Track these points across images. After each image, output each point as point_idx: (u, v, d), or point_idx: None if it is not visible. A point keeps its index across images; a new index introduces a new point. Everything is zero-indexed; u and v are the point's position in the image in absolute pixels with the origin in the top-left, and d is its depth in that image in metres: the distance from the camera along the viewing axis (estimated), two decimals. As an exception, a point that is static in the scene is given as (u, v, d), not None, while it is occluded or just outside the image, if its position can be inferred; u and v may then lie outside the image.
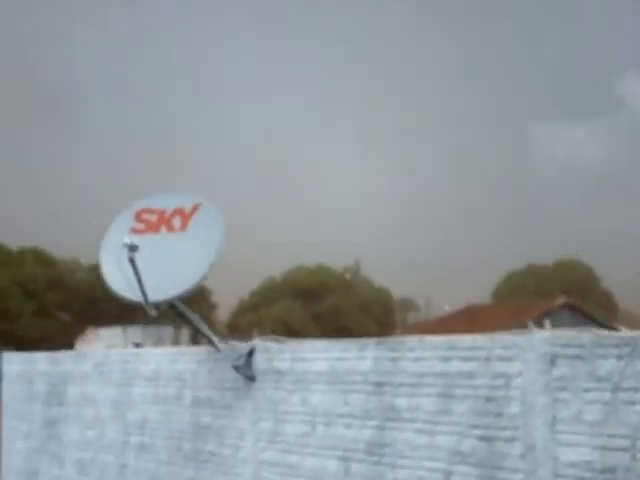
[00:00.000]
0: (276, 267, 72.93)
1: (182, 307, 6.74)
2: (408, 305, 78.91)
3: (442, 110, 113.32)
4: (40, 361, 10.34)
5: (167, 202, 7.01)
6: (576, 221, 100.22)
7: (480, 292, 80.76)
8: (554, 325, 49.68)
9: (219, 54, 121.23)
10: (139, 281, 6.31)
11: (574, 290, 71.75)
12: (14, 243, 66.27)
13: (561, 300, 52.30)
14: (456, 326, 52.47)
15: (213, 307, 73.65)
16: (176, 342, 47.06)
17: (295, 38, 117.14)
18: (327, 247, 77.72)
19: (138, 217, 6.96)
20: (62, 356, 9.95)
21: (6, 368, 11.29)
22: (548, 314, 50.18)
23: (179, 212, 6.88)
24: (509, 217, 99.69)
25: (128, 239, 6.16)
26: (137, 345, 37.13)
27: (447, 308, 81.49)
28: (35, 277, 63.90)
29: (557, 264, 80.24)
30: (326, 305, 68.45)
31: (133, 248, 6.13)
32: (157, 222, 6.88)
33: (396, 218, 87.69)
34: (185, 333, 48.97)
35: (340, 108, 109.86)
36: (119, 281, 6.59)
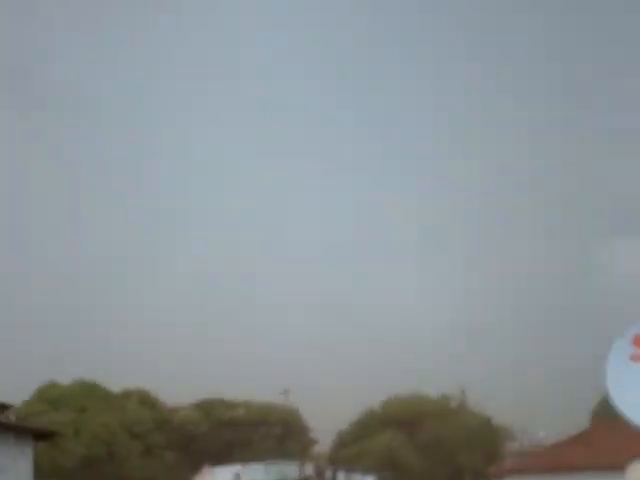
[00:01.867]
0: (372, 398, 72.63)
1: None
2: (504, 432, 77.56)
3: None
4: None
5: None
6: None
7: (576, 420, 78.85)
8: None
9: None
10: None
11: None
12: (117, 385, 67.42)
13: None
14: (577, 451, 51.46)
15: (314, 441, 73.20)
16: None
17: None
18: (421, 375, 77.03)
19: (637, 342, 6.69)
20: None
21: None
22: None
23: None
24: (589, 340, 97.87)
25: None
26: None
27: (542, 434, 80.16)
28: (140, 419, 64.68)
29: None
30: (428, 435, 67.70)
31: None
32: None
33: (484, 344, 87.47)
34: (309, 469, 48.56)
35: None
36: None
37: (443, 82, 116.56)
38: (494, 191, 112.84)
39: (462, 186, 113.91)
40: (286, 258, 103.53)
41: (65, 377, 69.57)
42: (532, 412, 78.04)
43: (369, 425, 70.39)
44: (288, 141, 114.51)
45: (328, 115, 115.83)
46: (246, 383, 70.81)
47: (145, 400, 67.61)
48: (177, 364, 77.17)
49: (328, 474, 47.16)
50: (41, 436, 33.20)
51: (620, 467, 46.60)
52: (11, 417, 32.05)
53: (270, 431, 69.13)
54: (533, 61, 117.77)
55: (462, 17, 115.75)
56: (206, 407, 70.74)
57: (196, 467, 53.61)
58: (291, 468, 47.45)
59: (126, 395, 67.46)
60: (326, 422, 71.97)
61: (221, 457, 60.62)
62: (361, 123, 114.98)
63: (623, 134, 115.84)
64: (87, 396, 66.80)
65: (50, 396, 66.71)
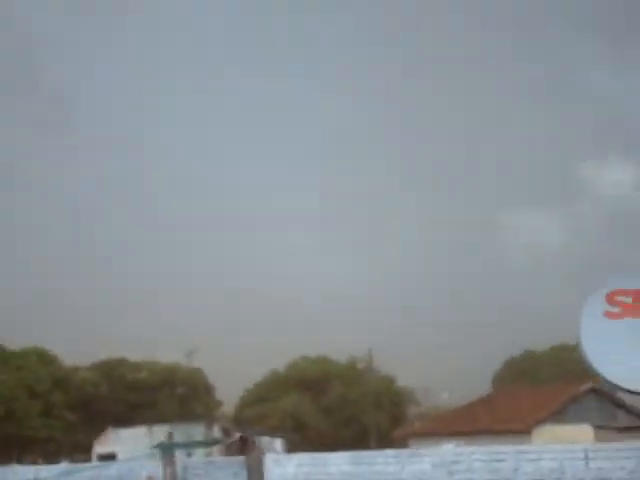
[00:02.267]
0: (279, 361, 72.38)
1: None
2: (408, 396, 78.16)
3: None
4: (331, 462, 9.84)
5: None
6: (556, 308, 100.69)
7: (478, 380, 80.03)
8: (581, 411, 49.42)
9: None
10: None
11: (571, 374, 71.76)
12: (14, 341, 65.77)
13: (587, 385, 51.96)
14: (479, 413, 51.98)
15: (219, 402, 72.64)
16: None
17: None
18: (328, 338, 77.00)
19: (610, 300, 6.63)
20: (372, 455, 9.49)
21: (272, 470, 10.76)
22: (574, 400, 49.82)
23: None
24: (498, 308, 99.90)
25: None
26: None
27: (446, 396, 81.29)
28: (39, 378, 63.17)
29: (552, 349, 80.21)
30: (333, 397, 67.60)
31: None
32: (634, 305, 6.54)
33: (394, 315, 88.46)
34: (215, 430, 47.88)
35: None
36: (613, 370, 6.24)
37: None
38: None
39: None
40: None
41: (-38, 336, 67.87)
42: (435, 374, 79.06)
43: (274, 386, 70.08)
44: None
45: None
46: (150, 345, 70.04)
47: (44, 359, 66.12)
48: (79, 328, 76.15)
49: (235, 436, 46.65)
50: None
51: (522, 431, 47.03)
52: None
53: (174, 392, 68.35)
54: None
55: None
56: (106, 368, 69.60)
57: (97, 428, 52.56)
58: (197, 430, 46.78)
59: (25, 354, 65.81)
60: (233, 383, 71.68)
61: (124, 419, 59.58)
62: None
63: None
64: (-16, 355, 65.18)
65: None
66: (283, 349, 69.05)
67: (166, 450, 12.55)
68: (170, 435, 30.58)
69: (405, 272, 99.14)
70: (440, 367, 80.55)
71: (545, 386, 58.78)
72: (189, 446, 12.16)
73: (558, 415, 48.84)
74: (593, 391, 51.39)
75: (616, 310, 5.64)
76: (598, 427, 45.86)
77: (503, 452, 7.35)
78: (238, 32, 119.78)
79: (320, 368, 69.09)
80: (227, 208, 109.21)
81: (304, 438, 60.29)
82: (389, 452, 9.12)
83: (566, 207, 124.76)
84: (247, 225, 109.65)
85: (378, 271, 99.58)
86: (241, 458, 11.19)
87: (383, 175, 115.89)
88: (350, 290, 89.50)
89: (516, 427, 47.04)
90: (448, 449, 7.89)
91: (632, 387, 5.34)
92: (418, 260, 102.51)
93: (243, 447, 9.92)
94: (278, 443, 45.82)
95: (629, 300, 5.59)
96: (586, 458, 6.46)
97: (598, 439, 43.85)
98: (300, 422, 64.89)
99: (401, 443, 55.19)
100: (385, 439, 61.15)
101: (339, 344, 68.20)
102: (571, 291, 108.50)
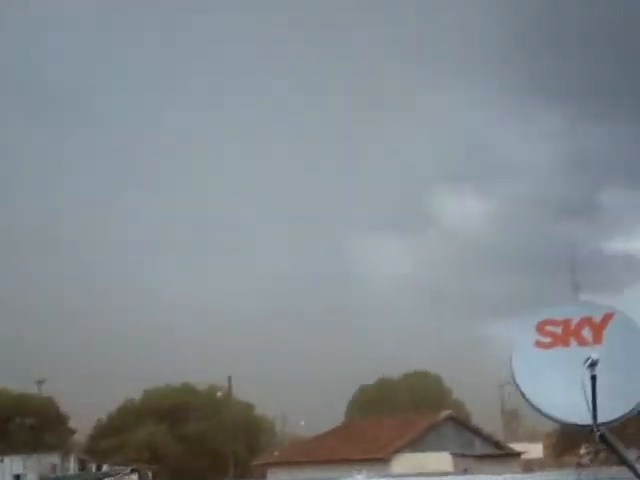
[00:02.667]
0: (135, 388, 71.00)
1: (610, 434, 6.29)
2: (266, 424, 77.83)
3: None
4: None
5: (569, 312, 6.50)
6: (411, 334, 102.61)
7: (333, 408, 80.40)
8: (439, 439, 50.05)
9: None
10: (594, 400, 5.93)
11: (425, 401, 72.99)
12: None
13: (445, 413, 52.77)
14: (338, 442, 52.05)
15: (72, 432, 70.51)
16: (66, 471, 44.55)
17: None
18: (187, 366, 75.99)
19: (541, 329, 6.46)
20: None
21: None
22: (432, 428, 50.44)
23: (587, 322, 6.40)
24: (348, 335, 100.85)
25: (595, 354, 5.91)
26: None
27: (302, 424, 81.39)
28: None
29: (407, 377, 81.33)
30: (192, 427, 66.64)
31: (594, 364, 5.74)
32: (563, 334, 6.39)
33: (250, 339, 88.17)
34: (72, 461, 46.35)
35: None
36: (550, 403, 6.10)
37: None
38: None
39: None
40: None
41: None
42: (292, 402, 79.00)
43: (129, 416, 68.60)
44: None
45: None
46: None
47: None
48: None
49: (90, 467, 45.54)
50: None
51: (381, 460, 47.35)
52: None
53: (25, 422, 66.08)
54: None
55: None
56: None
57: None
58: (51, 459, 45.38)
59: None
60: (86, 413, 69.84)
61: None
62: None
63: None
64: None
65: None
66: (140, 376, 67.87)
67: None
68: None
69: (259, 303, 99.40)
70: (297, 396, 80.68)
71: (403, 414, 59.33)
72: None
73: (417, 443, 49.41)
74: (451, 419, 52.35)
75: (546, 340, 5.60)
76: (456, 455, 46.61)
77: None
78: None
79: (176, 397, 68.05)
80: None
81: (162, 469, 59.21)
82: None
83: (417, 237, 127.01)
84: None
85: (235, 300, 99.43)
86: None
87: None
88: (211, 318, 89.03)
89: (375, 455, 47.38)
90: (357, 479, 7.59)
91: (569, 419, 5.25)
92: (272, 292, 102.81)
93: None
94: (134, 478, 44.83)
95: (558, 330, 5.55)
96: None
97: (457, 466, 44.54)
98: (157, 453, 63.65)
99: (260, 472, 54.86)
100: (244, 468, 60.62)
101: (199, 373, 67.55)
102: (423, 320, 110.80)
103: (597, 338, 6.30)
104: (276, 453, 58.48)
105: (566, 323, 6.38)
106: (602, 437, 6.10)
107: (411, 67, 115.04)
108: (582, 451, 60.00)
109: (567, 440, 60.35)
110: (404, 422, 52.87)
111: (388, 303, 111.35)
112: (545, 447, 68.43)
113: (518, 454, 51.52)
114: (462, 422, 52.95)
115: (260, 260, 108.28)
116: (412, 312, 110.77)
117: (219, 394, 63.81)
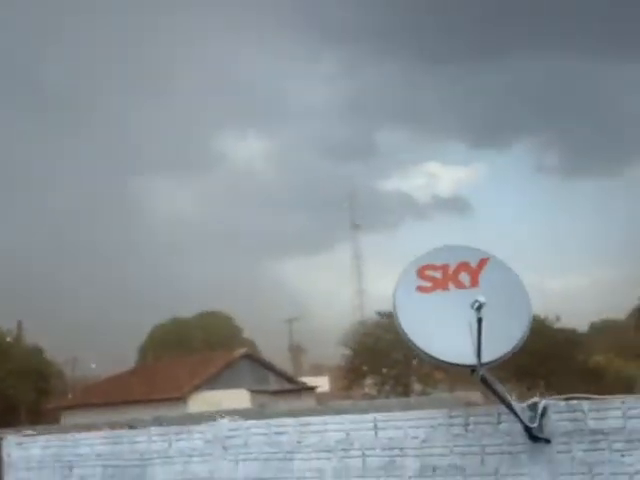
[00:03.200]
0: None
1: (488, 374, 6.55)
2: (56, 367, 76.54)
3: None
4: (83, 442, 9.32)
5: (447, 257, 6.86)
6: (203, 275, 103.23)
7: (124, 349, 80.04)
8: (235, 375, 50.97)
9: None
10: (479, 342, 6.25)
11: (218, 340, 73.94)
12: None
13: (240, 351, 53.70)
14: (133, 383, 52.11)
15: None
16: None
17: None
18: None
19: (421, 274, 6.80)
20: (132, 434, 9.06)
21: (13, 454, 10.02)
22: (228, 366, 51.31)
23: (464, 267, 6.78)
24: (142, 276, 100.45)
25: (482, 298, 6.14)
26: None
27: (94, 366, 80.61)
28: None
29: (199, 316, 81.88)
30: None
31: (480, 307, 6.12)
32: (443, 279, 6.74)
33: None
34: None
35: None
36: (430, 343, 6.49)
37: None
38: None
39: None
40: None
41: None
42: (83, 344, 78.10)
43: None
44: None
45: None
46: None
47: None
48: None
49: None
50: None
51: (178, 399, 47.74)
52: None
53: None
54: None
55: None
56: None
57: None
58: None
59: None
60: None
61: None
62: None
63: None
64: None
65: None
66: None
67: None
68: None
69: (48, 242, 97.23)
70: (88, 337, 79.84)
71: (198, 353, 59.99)
72: None
73: (213, 381, 50.20)
74: (246, 357, 53.44)
75: (427, 285, 5.99)
76: (253, 391, 47.80)
77: (284, 425, 7.47)
78: None
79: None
80: None
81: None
82: (153, 429, 8.93)
83: (203, 178, 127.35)
84: None
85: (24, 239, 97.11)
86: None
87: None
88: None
89: (172, 395, 47.87)
90: (222, 423, 7.80)
91: (450, 359, 5.69)
92: (59, 229, 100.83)
93: None
94: None
95: (438, 275, 5.95)
96: (375, 428, 6.66)
97: (254, 402, 45.69)
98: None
99: (52, 416, 54.18)
100: (34, 413, 59.67)
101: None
102: (212, 259, 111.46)
103: (474, 281, 6.80)
104: (70, 396, 57.92)
105: (445, 268, 6.86)
106: (483, 378, 6.47)
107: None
108: (368, 382, 63.12)
109: (353, 373, 63.22)
110: (200, 361, 53.51)
111: (178, 243, 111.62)
112: (331, 380, 71.04)
113: (312, 388, 53.26)
114: (257, 359, 54.11)
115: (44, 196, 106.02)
116: (201, 251, 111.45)
117: (8, 339, 62.31)
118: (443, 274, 6.77)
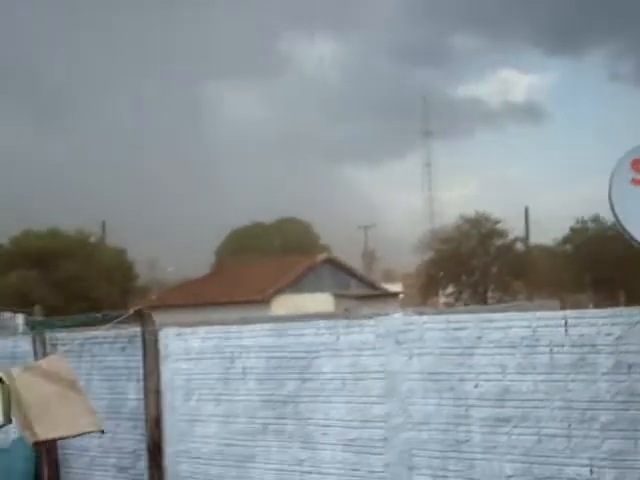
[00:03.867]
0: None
1: None
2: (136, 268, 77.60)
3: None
4: (247, 334, 9.52)
5: None
6: (275, 180, 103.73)
7: (202, 251, 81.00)
8: (317, 280, 51.34)
9: None
10: None
11: (296, 246, 74.32)
12: None
13: (323, 256, 54.01)
14: (216, 286, 52.77)
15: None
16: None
17: None
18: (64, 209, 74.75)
19: (636, 167, 6.75)
20: (298, 326, 9.22)
21: (171, 345, 10.30)
22: (311, 270, 51.64)
23: None
24: (216, 181, 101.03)
25: None
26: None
27: (171, 269, 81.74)
28: None
29: (278, 222, 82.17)
30: (64, 273, 66.00)
31: None
32: None
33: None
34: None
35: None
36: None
37: None
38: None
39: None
40: None
41: None
42: (160, 247, 79.20)
43: (-1, 262, 67.44)
44: None
45: None
46: None
47: None
48: None
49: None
50: None
51: (261, 301, 48.06)
52: None
53: None
54: None
55: None
56: None
57: None
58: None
59: None
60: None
61: None
62: None
63: None
64: None
65: None
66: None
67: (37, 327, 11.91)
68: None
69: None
70: (166, 239, 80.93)
71: (280, 257, 60.37)
72: (67, 324, 11.37)
73: (295, 285, 50.62)
74: (328, 261, 53.70)
75: None
76: (337, 295, 48.11)
77: (462, 320, 7.49)
78: None
79: (46, 243, 67.00)
80: None
81: (34, 314, 58.74)
82: (320, 322, 9.02)
83: (272, 82, 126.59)
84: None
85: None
86: (131, 331, 10.81)
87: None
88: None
89: (255, 297, 48.39)
90: (395, 318, 7.81)
91: None
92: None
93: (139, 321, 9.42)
94: (20, 318, 44.46)
95: None
96: (565, 325, 6.65)
97: (338, 306, 46.03)
98: (29, 299, 63.02)
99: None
100: (121, 311, 60.64)
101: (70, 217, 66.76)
102: (285, 165, 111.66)
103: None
104: (154, 297, 58.91)
105: None
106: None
107: None
108: (448, 291, 63.22)
109: (431, 281, 63.34)
110: (282, 265, 53.85)
111: (249, 149, 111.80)
112: (405, 287, 71.14)
113: (396, 294, 53.49)
114: (338, 264, 54.31)
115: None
116: (273, 158, 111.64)
117: (92, 239, 63.28)
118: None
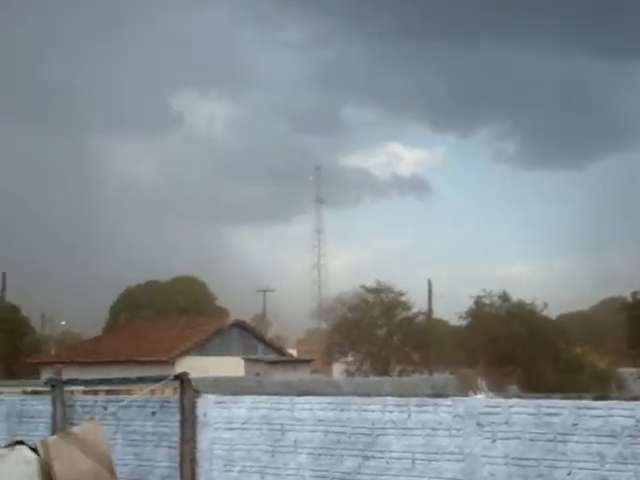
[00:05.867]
0: None
1: None
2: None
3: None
4: (300, 405, 9.22)
5: None
6: (167, 240, 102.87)
7: (97, 308, 79.34)
8: (223, 343, 50.65)
9: None
10: None
11: (191, 306, 73.62)
12: None
13: (231, 319, 53.42)
14: (119, 343, 51.65)
15: None
16: None
17: None
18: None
19: None
20: (362, 401, 8.98)
21: (211, 413, 9.85)
22: (219, 332, 50.94)
23: None
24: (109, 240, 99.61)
25: None
26: None
27: (64, 323, 79.96)
28: None
29: (174, 281, 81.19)
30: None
31: None
32: None
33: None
34: None
35: None
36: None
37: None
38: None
39: None
40: None
41: None
42: (53, 301, 77.28)
43: None
44: None
45: None
46: None
47: None
48: None
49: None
50: None
51: (166, 362, 47.23)
52: None
53: None
54: None
55: None
56: None
57: None
58: None
59: None
60: None
61: None
62: None
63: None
64: None
65: None
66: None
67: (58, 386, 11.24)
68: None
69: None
70: (58, 294, 79.05)
71: (182, 317, 59.58)
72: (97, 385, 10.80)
73: (202, 347, 49.90)
74: (237, 324, 53.09)
75: None
76: (248, 360, 47.49)
77: (557, 406, 7.38)
78: None
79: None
80: None
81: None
82: (389, 399, 8.81)
83: (162, 139, 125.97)
84: None
85: None
86: (163, 396, 10.43)
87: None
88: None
89: (159, 357, 47.50)
90: (476, 399, 7.63)
91: None
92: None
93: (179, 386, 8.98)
94: None
95: None
96: None
97: (248, 371, 45.50)
98: None
99: (33, 370, 53.38)
100: (10, 367, 58.90)
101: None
102: (177, 225, 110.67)
103: None
104: (53, 352, 57.29)
105: None
106: None
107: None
108: (349, 359, 63.15)
109: (331, 348, 63.18)
110: (186, 325, 53.10)
111: (138, 205, 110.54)
112: (299, 352, 70.85)
113: (308, 360, 53.06)
114: (247, 328, 53.78)
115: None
116: (163, 216, 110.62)
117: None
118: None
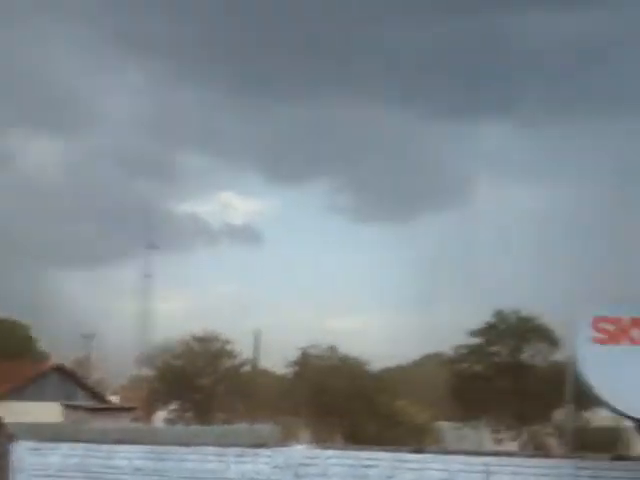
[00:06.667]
0: None
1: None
2: None
3: None
4: (118, 454, 8.93)
5: (622, 310, 6.96)
6: None
7: None
8: (40, 388, 49.07)
9: None
10: None
11: (11, 349, 71.13)
12: None
13: (51, 363, 51.87)
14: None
15: None
16: None
17: None
18: None
19: (595, 326, 6.93)
20: (181, 451, 8.77)
21: (27, 460, 9.41)
22: (39, 377, 49.45)
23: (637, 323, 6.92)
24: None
25: None
26: None
27: None
28: None
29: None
30: None
31: None
32: (615, 332, 6.88)
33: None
34: None
35: None
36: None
37: None
38: None
39: None
40: None
41: None
42: None
43: None
44: None
45: None
46: None
47: None
48: None
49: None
50: None
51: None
52: None
53: None
54: None
55: None
56: None
57: None
58: None
59: None
60: None
61: None
62: None
63: None
64: None
65: None
66: None
67: None
68: None
69: None
70: None
71: (4, 361, 57.42)
72: None
73: (18, 392, 48.30)
74: (57, 369, 51.65)
75: (601, 337, 6.27)
76: (67, 406, 46.23)
77: (374, 458, 7.43)
78: None
79: None
80: None
81: None
82: (209, 449, 8.69)
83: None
84: None
85: None
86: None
87: None
88: None
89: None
90: (295, 449, 7.58)
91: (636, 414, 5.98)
92: None
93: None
94: None
95: (611, 328, 6.23)
96: (487, 472, 6.70)
97: (67, 418, 44.26)
98: None
99: None
100: None
101: None
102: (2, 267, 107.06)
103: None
104: None
105: (618, 322, 7.11)
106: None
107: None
108: (172, 407, 62.14)
109: (153, 396, 62.07)
110: (12, 368, 51.34)
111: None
112: (122, 400, 69.33)
113: (130, 409, 52.00)
114: (67, 373, 52.40)
115: None
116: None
117: None
118: (616, 328, 7.05)
